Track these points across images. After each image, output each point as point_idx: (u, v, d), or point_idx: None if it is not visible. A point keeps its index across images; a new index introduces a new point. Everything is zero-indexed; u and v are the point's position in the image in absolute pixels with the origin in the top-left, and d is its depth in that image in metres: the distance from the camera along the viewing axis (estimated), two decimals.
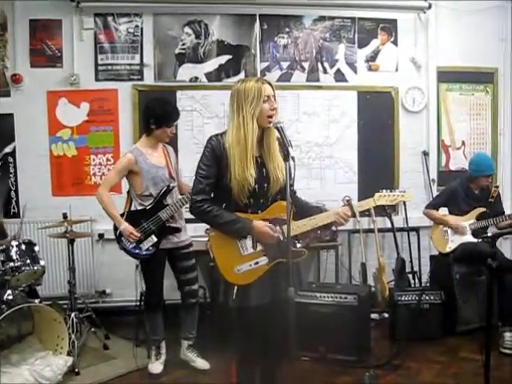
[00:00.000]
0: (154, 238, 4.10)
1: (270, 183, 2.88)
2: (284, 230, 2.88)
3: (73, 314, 4.51)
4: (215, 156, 2.84)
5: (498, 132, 6.17)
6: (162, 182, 4.13)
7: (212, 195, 2.88)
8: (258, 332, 2.97)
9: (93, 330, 4.70)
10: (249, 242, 2.88)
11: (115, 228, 4.17)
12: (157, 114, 4.07)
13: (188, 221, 4.26)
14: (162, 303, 4.32)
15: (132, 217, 4.13)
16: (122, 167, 4.14)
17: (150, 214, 4.10)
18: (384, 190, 3.07)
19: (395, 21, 5.90)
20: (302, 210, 2.99)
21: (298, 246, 2.98)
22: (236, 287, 2.86)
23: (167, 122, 4.11)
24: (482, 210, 5.03)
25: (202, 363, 4.33)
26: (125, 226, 4.07)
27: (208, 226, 3.00)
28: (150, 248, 4.10)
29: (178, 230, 4.19)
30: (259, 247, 2.89)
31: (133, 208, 4.19)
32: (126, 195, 4.31)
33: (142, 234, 4.08)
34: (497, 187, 5.20)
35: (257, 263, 2.89)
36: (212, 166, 2.84)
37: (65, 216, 4.60)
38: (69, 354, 4.15)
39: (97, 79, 5.52)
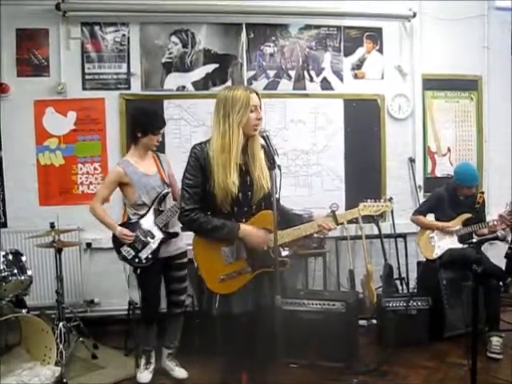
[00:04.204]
0: (152, 246, 4.11)
1: (254, 191, 2.90)
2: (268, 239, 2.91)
3: (61, 324, 4.49)
4: (199, 165, 2.86)
5: (482, 139, 6.22)
6: (155, 190, 4.14)
7: (200, 204, 2.89)
8: (242, 340, 2.99)
9: (81, 339, 4.68)
10: (233, 250, 2.90)
11: (114, 238, 4.18)
12: (142, 122, 4.09)
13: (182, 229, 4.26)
14: (158, 314, 4.29)
15: (129, 227, 4.14)
16: (111, 180, 4.17)
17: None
18: (368, 200, 3.11)
19: (380, 29, 5.95)
20: (284, 218, 3.00)
21: (284, 254, 3.00)
22: (218, 295, 2.88)
23: (152, 130, 4.11)
24: (468, 215, 5.06)
25: (179, 372, 4.33)
26: (119, 229, 4.09)
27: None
28: (150, 256, 4.10)
29: (176, 234, 4.20)
30: (243, 256, 2.91)
31: (130, 219, 4.21)
32: (112, 204, 4.32)
33: (140, 244, 4.09)
34: (482, 193, 5.24)
35: (240, 272, 2.90)
36: (197, 175, 2.86)
37: (52, 225, 4.59)
38: (57, 364, 4.13)
39: (84, 88, 5.51)
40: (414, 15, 5.87)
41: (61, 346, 4.33)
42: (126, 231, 4.09)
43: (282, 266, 2.90)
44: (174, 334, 4.41)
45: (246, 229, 2.87)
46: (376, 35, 5.95)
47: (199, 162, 2.86)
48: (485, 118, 6.21)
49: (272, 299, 2.83)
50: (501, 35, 6.18)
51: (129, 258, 4.12)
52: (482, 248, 4.78)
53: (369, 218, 5.62)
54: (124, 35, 5.53)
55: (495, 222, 4.71)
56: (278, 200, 2.96)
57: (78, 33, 5.45)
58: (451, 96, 6.18)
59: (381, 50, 5.98)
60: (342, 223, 3.08)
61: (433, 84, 6.10)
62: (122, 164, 4.16)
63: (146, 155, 4.24)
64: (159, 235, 4.13)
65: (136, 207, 4.16)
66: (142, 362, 4.32)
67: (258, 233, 2.88)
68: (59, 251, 4.62)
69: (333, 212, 2.99)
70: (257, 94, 2.92)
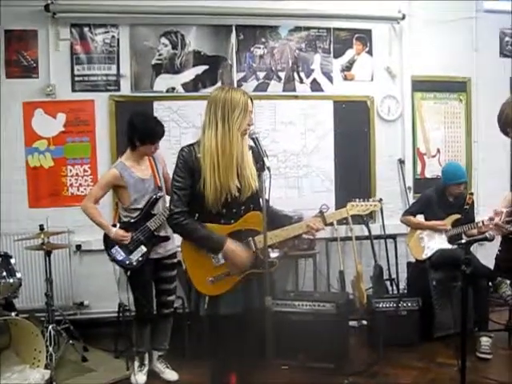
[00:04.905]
0: (143, 249, 4.10)
1: (241, 191, 2.90)
2: (257, 240, 2.92)
3: (50, 327, 4.46)
4: (188, 167, 2.86)
5: (471, 140, 6.26)
6: (149, 194, 4.14)
7: (189, 207, 2.89)
8: (230, 341, 2.99)
9: (71, 342, 4.65)
10: (221, 253, 2.90)
11: (105, 239, 4.17)
12: (141, 131, 4.05)
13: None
14: (152, 315, 4.28)
15: (122, 228, 4.13)
16: (106, 182, 4.16)
17: (139, 225, 4.12)
18: (357, 200, 3.13)
19: (370, 31, 5.98)
20: (273, 219, 2.99)
21: (274, 255, 3.01)
22: (207, 297, 2.89)
23: (151, 139, 4.09)
24: (457, 216, 5.09)
25: (170, 374, 4.34)
26: (115, 231, 4.08)
27: None
28: (140, 258, 4.09)
29: (166, 238, 4.20)
30: None
31: (121, 220, 4.20)
32: (102, 205, 4.31)
33: (132, 245, 4.08)
34: (471, 194, 5.27)
35: (228, 274, 2.91)
36: (186, 178, 2.86)
37: (41, 228, 4.57)
38: (46, 367, 4.12)
39: (73, 90, 5.49)
40: (404, 17, 5.90)
41: (50, 349, 4.30)
42: (121, 232, 4.08)
43: (270, 266, 2.90)
44: (164, 336, 4.41)
45: (231, 247, 2.86)
46: (365, 37, 5.98)
47: (188, 164, 2.86)
48: (474, 119, 6.25)
49: (261, 301, 2.85)
50: (489, 37, 6.25)
51: (119, 259, 4.11)
52: (472, 249, 4.81)
53: (359, 219, 5.64)
54: (113, 37, 5.51)
55: (485, 223, 4.72)
56: (267, 201, 2.97)
57: (67, 34, 5.42)
58: (440, 97, 6.21)
59: (370, 52, 6.00)
60: (330, 223, 3.09)
61: (422, 85, 6.13)
62: (118, 167, 4.14)
63: (142, 159, 4.22)
64: (151, 239, 4.12)
65: (129, 210, 4.15)
66: (136, 364, 4.32)
67: (241, 253, 2.88)
68: (48, 253, 4.59)
69: (321, 212, 3.01)
70: (251, 99, 2.93)
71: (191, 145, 2.94)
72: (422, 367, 4.48)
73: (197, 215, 2.90)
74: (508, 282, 4.84)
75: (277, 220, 2.98)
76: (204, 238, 2.84)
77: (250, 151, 2.96)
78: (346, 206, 3.11)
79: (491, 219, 4.26)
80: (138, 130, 4.06)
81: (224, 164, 2.81)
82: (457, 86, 6.22)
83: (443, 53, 6.04)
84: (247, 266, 2.89)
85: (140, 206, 4.12)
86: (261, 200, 2.84)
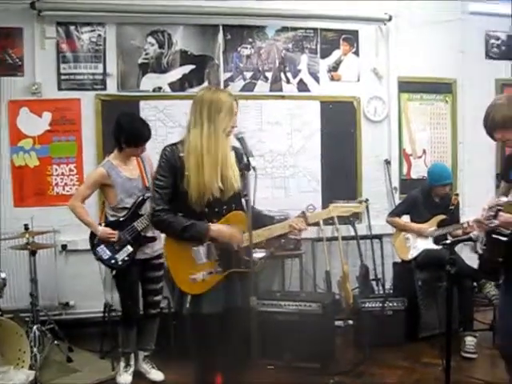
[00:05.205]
0: (129, 248, 4.09)
1: (224, 191, 2.91)
2: None
3: (35, 327, 4.41)
4: (171, 166, 2.87)
5: (457, 141, 6.30)
6: (136, 194, 4.12)
7: (170, 205, 2.90)
8: (213, 340, 2.99)
9: (56, 342, 4.62)
10: (203, 251, 2.90)
11: (91, 238, 4.15)
12: (128, 133, 4.04)
13: None
14: (138, 316, 4.27)
15: (108, 227, 4.11)
16: (93, 181, 4.15)
17: (126, 225, 4.10)
18: (340, 201, 3.14)
19: (357, 32, 6.00)
20: (256, 219, 2.97)
21: (260, 255, 3.01)
22: (189, 296, 2.89)
23: (138, 141, 4.08)
24: (443, 217, 5.12)
25: (156, 375, 4.33)
26: (101, 229, 4.07)
27: None
28: (126, 258, 4.08)
29: (153, 239, 4.18)
30: (213, 257, 2.92)
31: (107, 219, 4.18)
32: (87, 204, 4.28)
33: (118, 244, 4.07)
34: (457, 195, 5.30)
35: (211, 272, 2.91)
36: (168, 176, 2.87)
37: (26, 227, 4.53)
38: (31, 367, 4.08)
39: (59, 89, 5.45)
40: (390, 18, 5.93)
41: (35, 350, 4.26)
42: (109, 230, 4.07)
43: (253, 265, 2.91)
44: (150, 336, 4.39)
45: (216, 227, 2.88)
46: (352, 38, 6.00)
47: (170, 163, 2.87)
48: (459, 120, 6.30)
49: (243, 299, 2.89)
50: (475, 39, 6.32)
51: (105, 258, 4.09)
52: (457, 249, 4.83)
53: (345, 219, 5.63)
54: (100, 35, 5.48)
55: (470, 224, 4.74)
56: (248, 201, 2.98)
57: (53, 32, 5.38)
58: (426, 99, 6.25)
59: (357, 53, 6.02)
60: (316, 224, 3.10)
61: (408, 87, 6.17)
62: (105, 166, 4.12)
63: (129, 159, 4.21)
64: (137, 239, 4.11)
65: (116, 210, 4.13)
66: (122, 364, 4.30)
67: (228, 229, 2.90)
68: (33, 253, 4.56)
69: (303, 212, 3.02)
70: (236, 100, 2.95)
71: (174, 144, 2.95)
72: (408, 367, 4.51)
73: (180, 214, 2.90)
74: (492, 282, 4.87)
75: (259, 220, 2.99)
76: (188, 227, 2.84)
77: (233, 152, 2.97)
78: (329, 206, 3.13)
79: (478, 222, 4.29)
80: (125, 131, 4.04)
81: (209, 164, 2.82)
82: (443, 88, 6.26)
83: (429, 54, 6.08)
84: (240, 238, 2.90)
85: (127, 205, 4.11)
86: (243, 200, 2.87)
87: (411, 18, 6.04)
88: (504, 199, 2.92)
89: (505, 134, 2.92)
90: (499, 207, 2.88)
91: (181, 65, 5.64)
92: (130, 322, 4.24)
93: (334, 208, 3.11)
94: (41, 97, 5.39)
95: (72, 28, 5.42)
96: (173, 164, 2.87)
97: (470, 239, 3.36)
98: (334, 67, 5.98)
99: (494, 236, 2.96)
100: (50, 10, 5.30)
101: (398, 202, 5.90)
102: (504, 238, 2.91)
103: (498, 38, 6.41)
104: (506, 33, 6.41)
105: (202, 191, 2.82)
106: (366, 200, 5.88)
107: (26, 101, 5.37)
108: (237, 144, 2.89)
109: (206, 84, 5.64)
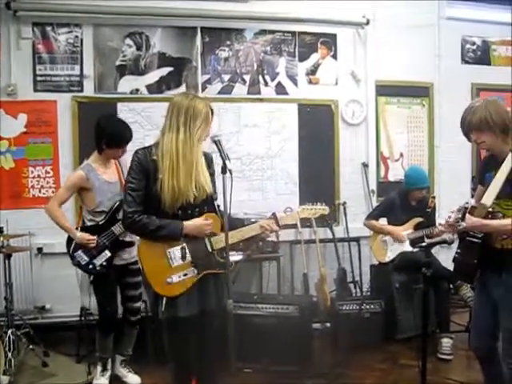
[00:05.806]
0: (107, 253, 4.04)
1: (196, 196, 2.94)
2: (212, 241, 3.00)
3: (9, 332, 4.35)
4: (143, 169, 2.89)
5: (434, 144, 6.36)
6: (114, 198, 4.07)
7: (142, 207, 2.90)
8: (189, 343, 3.00)
9: (31, 347, 4.56)
10: (178, 253, 2.93)
11: (68, 243, 4.09)
12: (108, 135, 3.99)
13: None
14: (116, 321, 4.22)
15: (85, 232, 4.06)
16: (71, 184, 4.08)
17: (103, 229, 4.05)
18: (309, 204, 3.28)
19: (335, 35, 6.03)
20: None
21: (237, 258, 3.04)
22: (165, 299, 2.89)
23: (120, 143, 4.05)
24: (419, 220, 5.15)
25: (133, 379, 4.30)
26: (79, 234, 4.01)
27: None
28: (104, 263, 4.03)
29: (131, 243, 4.14)
30: (188, 258, 2.94)
31: (84, 223, 4.13)
32: (64, 208, 4.24)
33: (96, 249, 4.02)
34: (433, 198, 5.33)
35: (186, 274, 2.93)
36: (140, 179, 2.89)
37: (1, 230, 4.48)
38: (5, 372, 4.05)
39: (35, 90, 5.39)
40: (368, 22, 5.98)
41: (9, 355, 4.21)
42: (87, 235, 4.01)
43: (224, 268, 2.95)
44: (128, 342, 4.36)
45: (189, 223, 2.92)
46: (330, 41, 6.03)
47: (142, 166, 2.89)
48: (436, 123, 6.36)
49: (218, 301, 2.95)
50: (451, 44, 6.39)
51: (82, 263, 4.04)
52: (434, 251, 4.88)
53: (323, 222, 5.67)
54: (77, 36, 5.44)
55: (442, 229, 4.78)
56: (218, 205, 3.05)
57: (29, 33, 5.32)
58: (404, 102, 6.30)
59: (335, 56, 6.05)
60: (290, 226, 3.17)
61: (386, 90, 6.21)
62: (84, 168, 4.07)
63: (109, 162, 4.17)
64: (115, 243, 4.07)
65: (94, 214, 4.08)
66: (99, 369, 4.25)
67: (199, 222, 2.95)
68: (8, 257, 4.51)
69: (274, 214, 3.12)
70: (212, 110, 3.01)
71: (146, 147, 2.98)
72: (385, 368, 4.54)
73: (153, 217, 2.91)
74: (468, 284, 4.92)
75: (230, 223, 3.00)
76: (161, 226, 2.86)
77: (203, 157, 3.01)
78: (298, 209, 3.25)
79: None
80: (106, 132, 4.00)
81: (184, 170, 2.86)
82: (420, 91, 6.32)
83: (407, 58, 6.14)
84: (210, 227, 2.97)
85: (105, 209, 4.06)
86: (215, 203, 2.99)
87: (389, 22, 6.08)
88: (472, 202, 3.01)
89: (480, 136, 2.97)
90: (466, 210, 2.96)
91: (158, 67, 5.62)
92: (108, 327, 4.19)
93: (303, 210, 3.24)
94: (16, 98, 5.34)
95: (48, 29, 5.37)
96: (145, 166, 2.88)
97: (444, 241, 3.40)
98: (312, 70, 6.00)
99: (468, 239, 3.02)
100: (25, 11, 5.26)
101: (375, 204, 5.93)
102: (477, 240, 2.96)
103: (473, 43, 6.49)
104: (481, 38, 6.50)
105: (176, 196, 2.86)
106: (344, 203, 5.96)
107: (1, 102, 5.30)
108: (211, 146, 2.93)
109: (183, 86, 5.64)
